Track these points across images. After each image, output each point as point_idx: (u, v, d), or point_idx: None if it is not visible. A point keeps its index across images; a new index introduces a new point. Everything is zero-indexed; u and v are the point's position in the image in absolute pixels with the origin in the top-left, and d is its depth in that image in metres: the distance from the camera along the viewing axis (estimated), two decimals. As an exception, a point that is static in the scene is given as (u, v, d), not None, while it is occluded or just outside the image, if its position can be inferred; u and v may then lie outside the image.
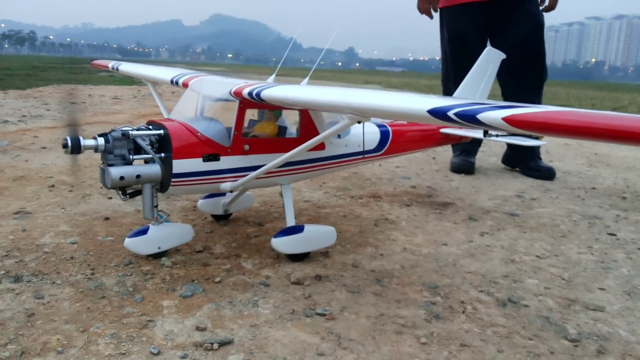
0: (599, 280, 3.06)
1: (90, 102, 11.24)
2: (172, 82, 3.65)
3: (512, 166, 6.26)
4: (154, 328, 2.27)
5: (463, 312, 2.57)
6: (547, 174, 5.80)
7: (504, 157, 6.42)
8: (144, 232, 2.94)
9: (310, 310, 2.49)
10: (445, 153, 7.12)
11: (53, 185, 4.43)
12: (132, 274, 2.80)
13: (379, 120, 3.82)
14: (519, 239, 3.71)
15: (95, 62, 4.81)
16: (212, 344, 2.14)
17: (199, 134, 2.84)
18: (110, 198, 4.17)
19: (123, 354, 2.07)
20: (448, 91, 5.95)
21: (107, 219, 3.67)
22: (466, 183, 5.42)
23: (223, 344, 2.16)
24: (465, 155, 6.00)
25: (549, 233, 3.89)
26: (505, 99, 6.01)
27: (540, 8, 5.67)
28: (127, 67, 4.25)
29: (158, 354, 2.08)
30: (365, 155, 3.65)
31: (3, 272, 2.74)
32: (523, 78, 5.71)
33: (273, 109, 3.10)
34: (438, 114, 1.85)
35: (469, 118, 1.76)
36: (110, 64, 4.45)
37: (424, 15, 5.81)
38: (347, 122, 2.35)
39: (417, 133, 4.12)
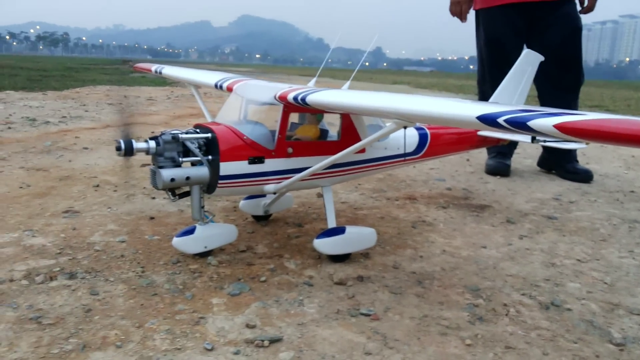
0: (642, 285, 3.04)
1: (126, 104, 11.51)
2: (216, 86, 3.75)
3: (549, 169, 6.20)
4: (205, 325, 2.36)
5: (506, 314, 2.59)
6: (585, 176, 5.73)
7: (540, 159, 6.37)
8: (191, 231, 3.03)
9: (355, 310, 2.54)
10: (480, 155, 7.09)
11: (98, 185, 4.58)
12: (181, 272, 2.90)
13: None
14: (559, 243, 3.70)
15: (138, 65, 4.95)
16: (262, 341, 2.22)
17: (244, 137, 2.93)
18: (154, 198, 4.29)
19: (178, 349, 2.16)
20: (484, 94, 5.93)
21: (152, 218, 3.79)
22: (502, 185, 5.40)
23: (273, 341, 2.23)
24: (500, 157, 5.97)
25: (589, 237, 3.86)
26: (542, 102, 5.96)
27: (579, 9, 5.61)
28: (170, 71, 4.38)
29: (212, 350, 2.16)
30: (405, 158, 3.69)
31: (58, 269, 2.87)
32: (559, 81, 5.65)
33: (316, 112, 3.16)
34: (488, 120, 1.88)
35: (519, 125, 1.79)
36: (153, 67, 4.58)
37: (455, 18, 5.80)
38: (392, 127, 2.41)
39: (455, 136, 4.14)
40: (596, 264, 3.34)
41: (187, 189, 2.96)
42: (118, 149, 2.74)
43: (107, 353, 2.11)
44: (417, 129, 3.78)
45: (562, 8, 5.54)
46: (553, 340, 2.37)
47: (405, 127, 2.46)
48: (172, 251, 3.18)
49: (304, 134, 3.22)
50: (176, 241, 3.01)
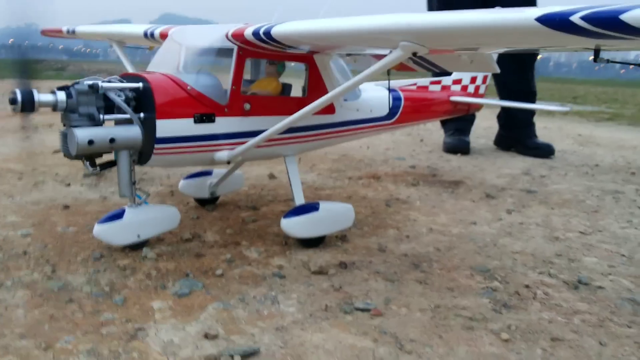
0: (662, 255, 2.63)
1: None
2: (145, 35, 3.00)
3: (507, 147, 5.84)
4: (146, 339, 1.66)
5: (534, 297, 2.07)
6: (547, 150, 5.42)
7: (497, 138, 6.02)
8: (118, 216, 2.30)
9: (348, 305, 1.93)
10: (433, 135, 6.68)
11: (-3, 173, 3.69)
12: (106, 269, 2.17)
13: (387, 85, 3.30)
14: (551, 216, 3.26)
15: (46, 28, 4.07)
16: (232, 356, 1.55)
17: (188, 88, 2.24)
18: (69, 185, 3.47)
19: (107, 377, 1.46)
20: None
21: (66, 207, 3.00)
22: (466, 163, 4.96)
23: (247, 355, 1.58)
24: (459, 134, 5.56)
25: (579, 208, 3.45)
26: (500, 78, 5.56)
27: None
28: (86, 28, 3.55)
29: (158, 374, 1.47)
30: (378, 123, 3.11)
31: None
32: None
33: (277, 59, 2.51)
34: (555, 22, 1.32)
35: (608, 21, 1.23)
36: (64, 28, 3.73)
37: None
38: (399, 54, 1.78)
39: (427, 101, 3.63)
40: (601, 235, 2.91)
41: (111, 156, 2.24)
42: (13, 101, 1.97)
43: (-6, 393, 1.38)
44: (391, 90, 3.21)
45: None
46: (603, 326, 1.86)
47: (414, 54, 1.81)
48: (94, 244, 2.43)
49: (262, 88, 2.56)
50: (99, 229, 2.26)
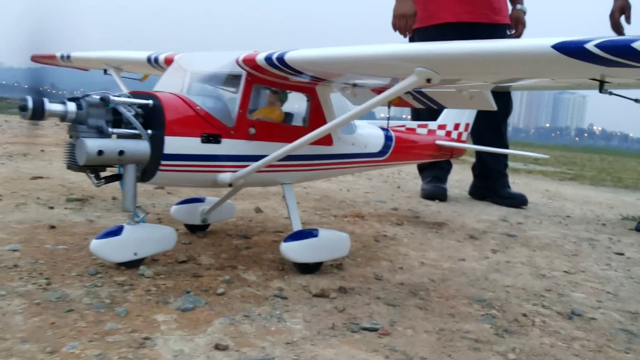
0: (644, 294, 2.73)
1: (8, 126, 10.07)
2: (149, 60, 3.03)
3: (481, 197, 6.00)
4: (154, 347, 1.62)
5: (532, 324, 2.11)
6: (520, 200, 5.61)
7: (471, 188, 6.19)
8: (116, 232, 2.26)
9: (354, 325, 1.93)
10: (408, 183, 6.83)
11: (-25, 194, 3.57)
12: (104, 284, 2.11)
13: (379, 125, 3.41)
14: (534, 257, 3.35)
15: (36, 54, 4.04)
16: (247, 365, 1.53)
17: (197, 108, 2.27)
18: (52, 208, 3.39)
19: (121, 381, 1.41)
20: (420, 115, 5.66)
21: (52, 227, 2.92)
22: (445, 208, 5.08)
23: (262, 365, 1.55)
24: (436, 182, 5.69)
25: (559, 252, 3.57)
26: (475, 130, 5.79)
27: (509, 33, 5.58)
28: (82, 54, 3.55)
29: (173, 380, 1.43)
30: (371, 159, 3.19)
31: None
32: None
33: (284, 88, 2.58)
34: (570, 49, 1.43)
35: (621, 49, 1.35)
36: (58, 53, 3.73)
37: (396, 33, 5.52)
38: (414, 80, 1.86)
39: (415, 143, 3.75)
40: (584, 275, 3.00)
41: (114, 170, 2.23)
42: (23, 108, 1.96)
43: (3, 392, 1.31)
44: (383, 129, 3.32)
45: (495, 33, 5.45)
46: (602, 352, 1.91)
47: (429, 81, 1.88)
48: (87, 261, 2.37)
49: (265, 115, 2.61)
50: (96, 245, 2.21)
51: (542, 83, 1.95)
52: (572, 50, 1.43)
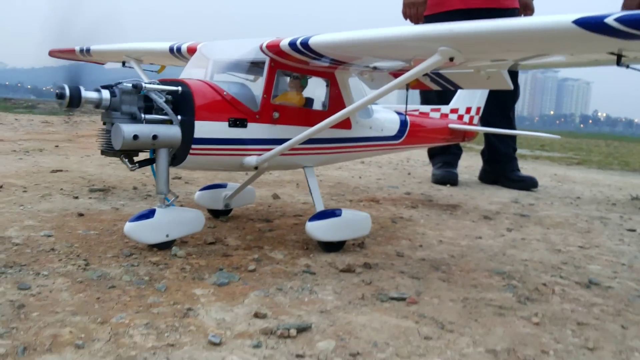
0: (658, 265, 2.81)
1: (19, 124, 10.18)
2: (171, 50, 3.11)
3: (491, 182, 6.06)
4: (197, 317, 1.71)
5: (553, 293, 2.19)
6: (531, 183, 5.67)
7: (481, 173, 6.25)
8: (149, 215, 2.35)
9: (383, 295, 2.01)
10: (418, 169, 6.91)
11: (1, 186, 3.67)
12: (139, 264, 2.20)
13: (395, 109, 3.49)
14: (548, 234, 3.43)
15: (54, 49, 4.13)
16: (288, 329, 1.61)
17: (224, 93, 2.35)
18: (77, 197, 3.49)
19: (172, 345, 1.50)
20: (430, 101, 5.72)
21: (81, 215, 3.01)
22: (456, 192, 5.15)
23: (301, 329, 1.64)
24: (447, 167, 5.77)
25: (573, 229, 3.64)
26: (485, 115, 5.84)
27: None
28: (103, 47, 3.63)
29: (220, 344, 1.52)
30: (387, 142, 3.27)
31: (-37, 264, 2.06)
32: (497, 92, 5.54)
33: (304, 73, 2.66)
34: (590, 24, 1.50)
35: (638, 22, 1.42)
36: (77, 47, 3.80)
37: (407, 21, 5.60)
38: (437, 59, 1.93)
39: (429, 127, 3.83)
40: (599, 249, 3.08)
41: (146, 155, 2.31)
42: (61, 96, 2.05)
43: (64, 355, 1.41)
44: (398, 114, 3.40)
45: (504, 17, 5.48)
46: (621, 315, 1.99)
47: (451, 59, 1.95)
48: (120, 244, 2.47)
49: (287, 100, 2.69)
50: (130, 227, 2.30)
51: (560, 60, 2.01)
52: (593, 24, 1.50)
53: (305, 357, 1.48)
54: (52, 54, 4.15)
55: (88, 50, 3.69)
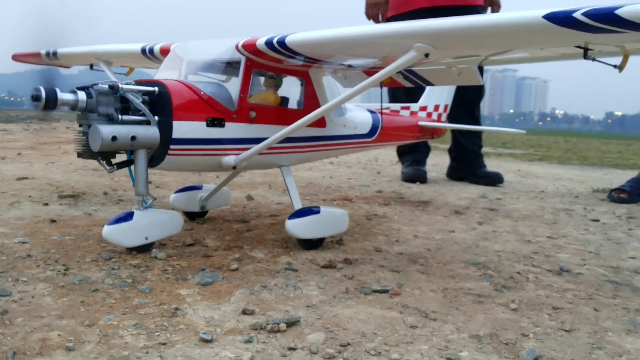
0: (623, 251, 2.94)
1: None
2: (144, 52, 3.08)
3: (459, 178, 6.20)
4: (186, 316, 1.72)
5: (527, 280, 2.28)
6: (497, 178, 5.83)
7: (449, 170, 6.38)
8: (127, 218, 2.32)
9: (366, 288, 2.06)
10: (386, 169, 7.00)
11: (-34, 195, 3.56)
12: (120, 267, 2.19)
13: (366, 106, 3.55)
14: (517, 227, 3.54)
15: (18, 53, 4.03)
16: (277, 324, 1.64)
17: (202, 93, 2.36)
18: (47, 204, 3.41)
19: (163, 344, 1.50)
20: (399, 99, 5.81)
21: (53, 221, 2.96)
22: (426, 189, 5.25)
23: (290, 324, 1.66)
24: (416, 165, 5.87)
25: (540, 221, 3.77)
26: (452, 113, 5.94)
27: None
28: (70, 50, 3.56)
29: (212, 340, 1.53)
30: (360, 140, 3.32)
31: (-64, 273, 2.01)
32: (463, 90, 5.64)
33: (279, 72, 2.68)
34: (560, 18, 1.58)
35: (604, 16, 1.51)
36: (43, 50, 3.72)
37: (370, 22, 5.67)
38: (413, 55, 1.99)
39: (400, 124, 3.90)
40: (566, 239, 3.20)
41: (122, 156, 2.29)
42: (36, 98, 2.02)
43: (56, 358, 1.40)
44: (370, 112, 3.46)
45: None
46: (592, 299, 2.09)
47: (426, 55, 2.01)
48: (97, 249, 2.44)
49: (263, 99, 2.71)
50: (108, 230, 2.28)
51: (528, 55, 2.10)
52: (562, 19, 1.58)
53: (297, 349, 1.51)
54: (16, 58, 4.06)
55: (55, 54, 3.61)
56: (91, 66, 3.59)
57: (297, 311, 1.80)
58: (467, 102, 5.76)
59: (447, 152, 6.43)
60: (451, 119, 5.76)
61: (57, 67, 4.01)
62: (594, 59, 1.86)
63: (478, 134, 6.08)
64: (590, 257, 2.77)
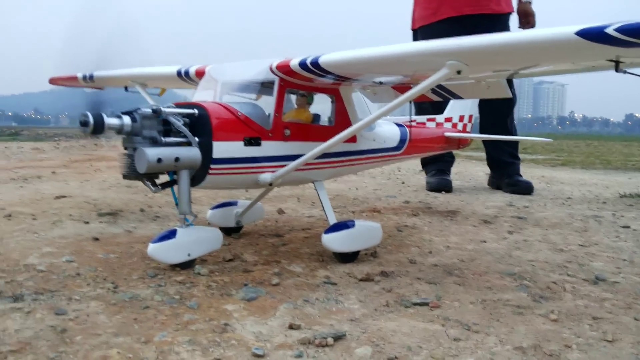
0: (657, 259, 2.94)
1: (10, 152, 10.12)
2: (179, 74, 3.19)
3: (496, 187, 6.17)
4: (235, 331, 1.78)
5: (564, 290, 2.30)
6: (525, 187, 5.80)
7: (488, 179, 6.40)
8: (171, 236, 2.41)
9: (406, 301, 2.11)
10: (411, 178, 7.04)
11: (10, 215, 3.69)
12: (166, 284, 2.27)
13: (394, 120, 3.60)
14: (548, 235, 3.55)
15: (55, 77, 4.17)
16: (325, 338, 1.69)
17: (239, 114, 2.44)
18: (87, 222, 3.53)
19: (218, 359, 1.57)
20: (425, 110, 5.85)
21: (96, 239, 3.06)
22: (452, 198, 5.28)
23: (337, 338, 1.72)
24: (441, 174, 5.90)
25: (570, 229, 3.77)
26: (482, 123, 5.93)
27: (519, 27, 5.68)
28: (107, 73, 3.68)
29: (264, 355, 1.60)
30: (389, 153, 3.37)
31: (-5, 293, 2.11)
32: (492, 100, 5.66)
33: (311, 90, 2.76)
34: (592, 34, 1.63)
35: (637, 31, 1.55)
36: (79, 74, 3.86)
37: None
38: (445, 72, 2.05)
39: (427, 136, 3.95)
40: (598, 247, 3.20)
41: (166, 177, 2.38)
42: (84, 124, 2.12)
43: (120, 374, 1.47)
44: (399, 125, 3.52)
45: (497, 22, 5.49)
46: (632, 308, 2.10)
47: (459, 72, 2.06)
48: (142, 266, 2.52)
49: (296, 117, 2.79)
50: (153, 248, 2.36)
51: (558, 68, 2.14)
52: (594, 35, 1.63)
53: (347, 363, 1.56)
54: (53, 81, 4.21)
55: (91, 77, 3.74)
56: (126, 88, 3.71)
57: (342, 325, 1.86)
58: (496, 111, 5.77)
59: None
60: (480, 128, 5.77)
61: (90, 88, 4.15)
62: (625, 72, 1.90)
63: (510, 143, 6.05)
64: (625, 265, 2.78)
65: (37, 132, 26.62)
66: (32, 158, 8.79)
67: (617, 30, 1.58)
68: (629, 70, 1.89)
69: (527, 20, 5.63)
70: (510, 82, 5.71)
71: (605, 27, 1.61)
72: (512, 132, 5.97)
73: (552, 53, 1.82)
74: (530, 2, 5.63)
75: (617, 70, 1.85)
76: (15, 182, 5.47)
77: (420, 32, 5.70)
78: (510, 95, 2.73)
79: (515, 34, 1.82)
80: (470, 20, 5.32)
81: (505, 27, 5.54)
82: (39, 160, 8.33)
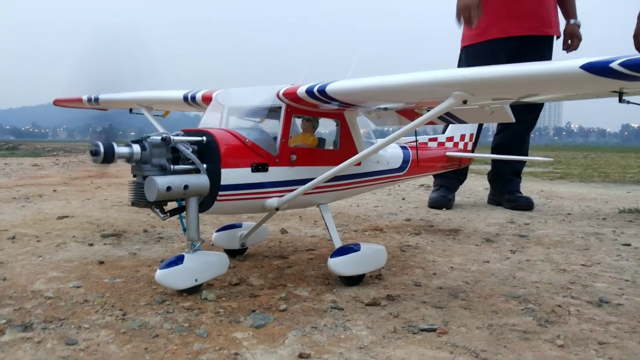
0: (659, 279, 2.96)
1: (10, 169, 10.13)
2: (186, 99, 3.22)
3: (496, 203, 6.21)
4: (246, 361, 1.80)
5: (569, 314, 2.32)
6: (525, 203, 5.84)
7: (488, 196, 6.43)
8: (178, 261, 2.43)
9: (413, 327, 2.12)
10: (412, 193, 7.07)
11: (14, 237, 3.71)
12: (174, 310, 2.28)
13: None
14: (550, 254, 3.58)
15: (59, 98, 4.20)
16: (336, 368, 1.71)
17: (246, 141, 2.47)
18: (92, 245, 3.54)
19: (231, 390, 1.58)
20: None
21: (101, 262, 3.08)
22: (453, 215, 5.31)
23: (348, 367, 1.74)
24: (444, 191, 5.93)
25: (571, 247, 3.80)
26: (502, 138, 5.95)
27: (562, 48, 5.66)
28: (112, 96, 3.72)
29: (276, 386, 1.61)
30: (392, 175, 3.41)
31: (4, 321, 2.12)
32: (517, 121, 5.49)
33: (316, 115, 2.79)
34: (597, 69, 1.67)
35: None
36: (84, 96, 3.89)
37: (460, 23, 4.91)
38: (451, 102, 2.09)
39: (429, 156, 3.99)
40: (600, 267, 3.23)
41: (174, 204, 2.41)
42: (95, 153, 2.15)
43: (135, 408, 1.48)
44: (401, 147, 3.56)
45: (542, 45, 5.47)
46: (636, 332, 2.13)
47: (465, 102, 2.10)
48: (149, 291, 2.54)
49: (301, 142, 2.82)
50: (161, 274, 2.38)
51: (562, 95, 2.18)
52: (599, 69, 1.67)
53: (358, 393, 1.58)
54: (58, 103, 4.23)
55: (97, 99, 3.78)
56: (130, 110, 3.74)
57: (351, 353, 1.87)
58: (519, 131, 5.80)
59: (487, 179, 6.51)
60: (498, 144, 5.78)
61: (94, 109, 4.18)
62: (628, 102, 1.94)
63: (520, 160, 6.07)
64: (627, 286, 2.81)
65: (35, 146, 26.63)
66: (32, 175, 8.81)
67: (621, 65, 1.62)
68: (632, 100, 1.93)
69: (572, 42, 5.57)
70: (539, 107, 5.75)
71: (610, 61, 1.65)
72: (525, 150, 6.01)
73: (557, 84, 1.86)
74: (578, 25, 5.55)
75: (620, 101, 1.89)
76: (17, 202, 5.49)
77: (465, 52, 5.64)
78: (513, 120, 2.78)
79: (520, 66, 1.86)
80: (516, 41, 5.30)
81: (548, 49, 5.50)
82: (40, 177, 8.35)
